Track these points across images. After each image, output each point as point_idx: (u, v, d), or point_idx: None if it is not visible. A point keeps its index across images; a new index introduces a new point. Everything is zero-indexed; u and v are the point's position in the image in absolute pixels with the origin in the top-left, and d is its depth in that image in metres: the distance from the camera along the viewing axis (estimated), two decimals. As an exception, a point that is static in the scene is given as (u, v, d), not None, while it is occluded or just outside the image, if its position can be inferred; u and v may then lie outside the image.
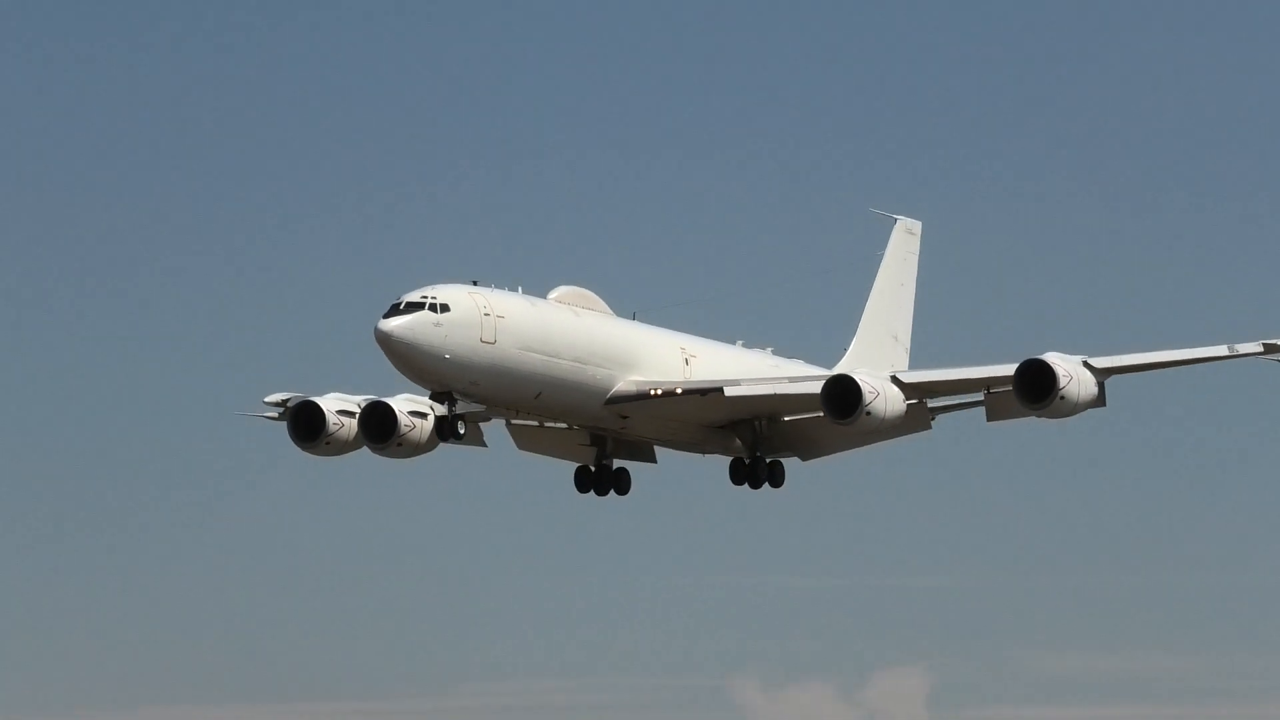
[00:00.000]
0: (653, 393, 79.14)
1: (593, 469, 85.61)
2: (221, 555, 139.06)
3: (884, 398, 78.24)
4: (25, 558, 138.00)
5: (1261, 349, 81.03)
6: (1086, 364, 79.99)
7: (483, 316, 74.78)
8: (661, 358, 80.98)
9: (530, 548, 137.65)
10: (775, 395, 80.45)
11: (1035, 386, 77.92)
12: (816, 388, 79.02)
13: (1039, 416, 79.84)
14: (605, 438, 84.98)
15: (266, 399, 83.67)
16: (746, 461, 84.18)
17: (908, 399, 79.88)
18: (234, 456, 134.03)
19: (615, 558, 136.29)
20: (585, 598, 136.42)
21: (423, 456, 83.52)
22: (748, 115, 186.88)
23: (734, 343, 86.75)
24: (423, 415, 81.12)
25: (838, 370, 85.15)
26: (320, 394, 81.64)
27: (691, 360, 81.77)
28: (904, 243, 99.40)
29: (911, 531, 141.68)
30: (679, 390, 79.42)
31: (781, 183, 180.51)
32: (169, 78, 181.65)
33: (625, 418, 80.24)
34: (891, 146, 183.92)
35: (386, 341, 73.28)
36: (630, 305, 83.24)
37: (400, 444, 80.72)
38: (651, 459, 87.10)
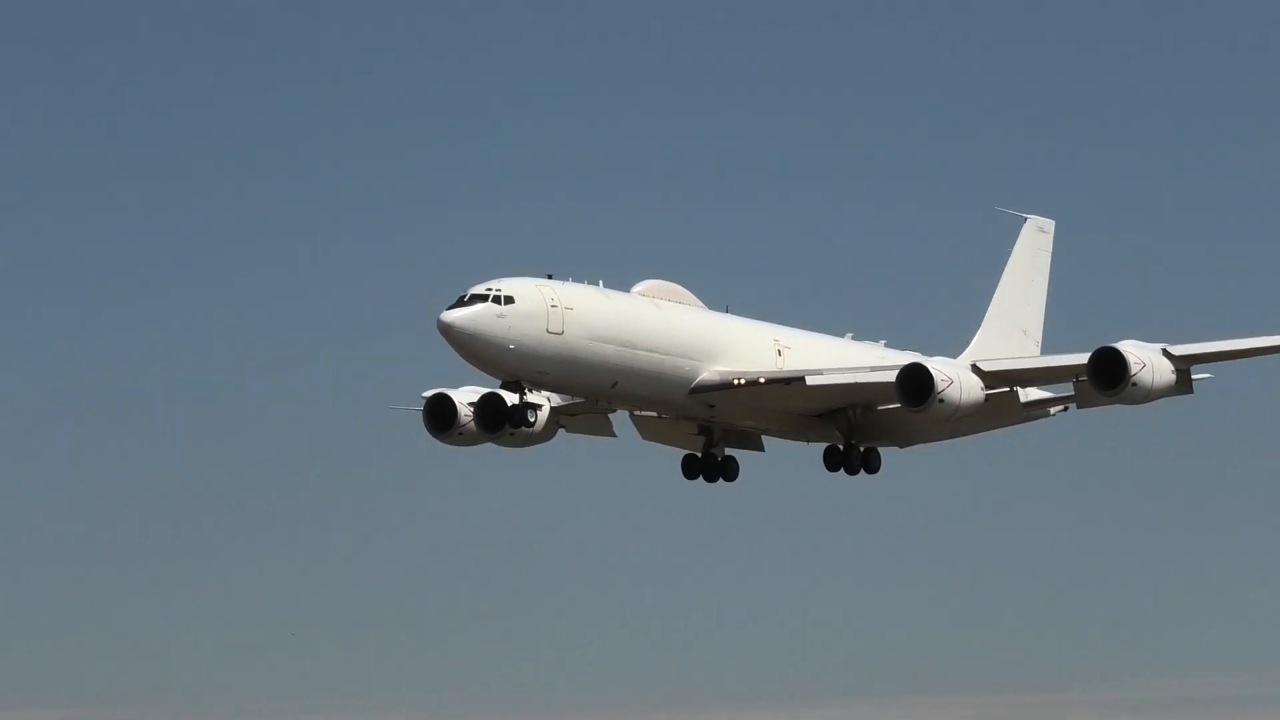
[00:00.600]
0: (736, 382, 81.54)
1: (700, 456, 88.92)
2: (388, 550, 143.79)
3: (959, 385, 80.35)
4: (188, 551, 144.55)
5: None
6: (1165, 351, 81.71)
7: (549, 308, 76.82)
8: (752, 349, 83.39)
9: (655, 533, 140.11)
10: (854, 384, 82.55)
11: (1108, 374, 79.82)
12: (892, 376, 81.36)
13: (1115, 403, 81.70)
14: (713, 428, 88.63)
15: (425, 394, 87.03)
16: (841, 448, 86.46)
17: (987, 387, 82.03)
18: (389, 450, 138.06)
19: (725, 543, 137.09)
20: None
21: (541, 446, 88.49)
22: (881, 109, 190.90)
23: (843, 336, 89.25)
24: (539, 406, 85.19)
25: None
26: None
27: (785, 351, 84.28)
28: (1035, 240, 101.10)
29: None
30: (762, 380, 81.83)
31: (913, 181, 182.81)
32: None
33: (712, 406, 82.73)
34: (1028, 146, 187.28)
35: (448, 332, 75.67)
36: (751, 300, 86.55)
37: (513, 433, 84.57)
38: (759, 447, 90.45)
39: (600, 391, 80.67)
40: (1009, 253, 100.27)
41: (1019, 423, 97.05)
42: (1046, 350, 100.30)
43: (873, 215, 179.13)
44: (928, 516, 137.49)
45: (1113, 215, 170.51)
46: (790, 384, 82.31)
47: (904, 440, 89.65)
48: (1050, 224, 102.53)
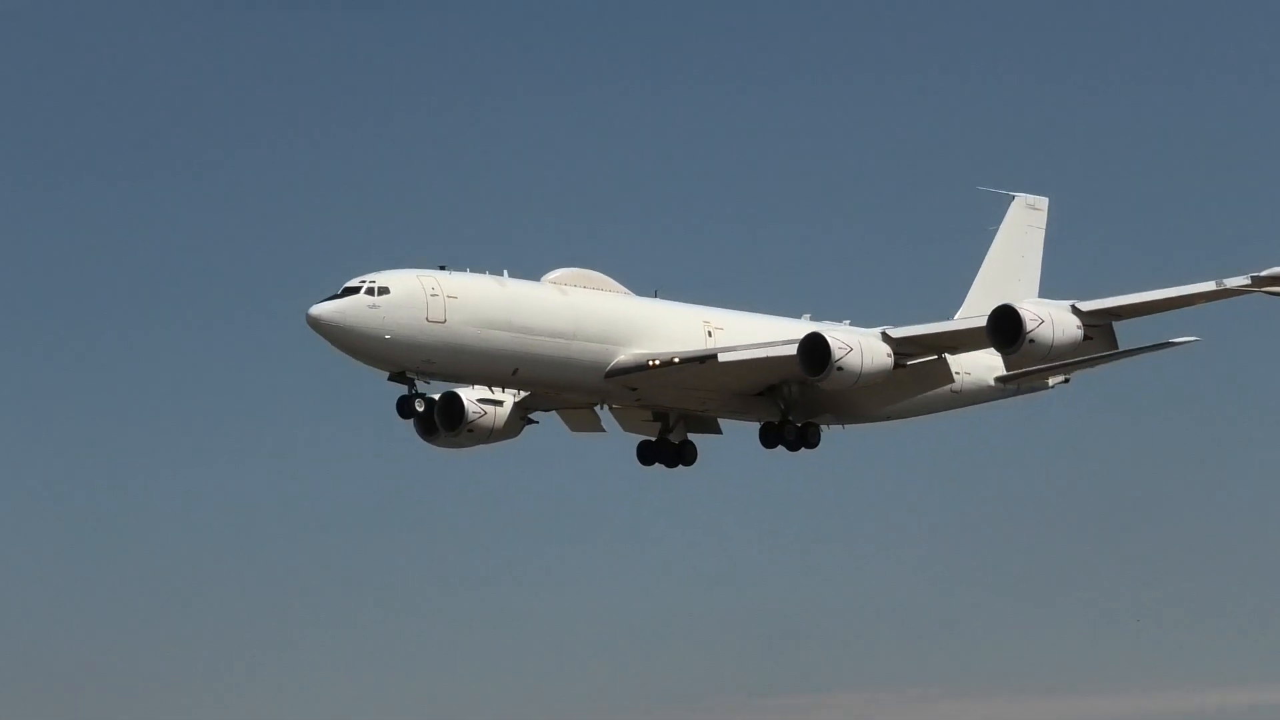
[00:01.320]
0: (651, 363, 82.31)
1: (654, 441, 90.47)
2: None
3: (859, 352, 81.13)
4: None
5: (1249, 282, 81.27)
6: (1074, 308, 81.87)
7: (429, 297, 77.08)
8: (679, 331, 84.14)
9: (612, 521, 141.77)
10: (764, 359, 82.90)
11: (1009, 332, 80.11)
12: (793, 349, 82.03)
13: (1023, 363, 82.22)
14: (668, 414, 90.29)
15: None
16: (776, 423, 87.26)
17: (896, 353, 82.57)
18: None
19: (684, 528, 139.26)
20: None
21: (510, 442, 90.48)
22: (861, 91, 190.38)
23: (801, 317, 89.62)
24: (497, 403, 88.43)
25: None
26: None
27: (716, 332, 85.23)
28: (1024, 218, 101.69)
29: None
30: (676, 360, 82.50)
31: (898, 162, 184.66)
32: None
33: (634, 389, 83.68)
34: (1022, 124, 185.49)
35: (316, 325, 76.14)
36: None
37: (471, 430, 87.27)
38: (717, 429, 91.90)
39: (501, 379, 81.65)
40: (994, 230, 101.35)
41: (1005, 397, 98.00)
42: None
43: (861, 200, 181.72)
44: (880, 497, 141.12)
45: (1111, 193, 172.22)
46: (705, 362, 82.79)
47: (846, 416, 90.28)
48: (1043, 201, 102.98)
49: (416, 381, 78.77)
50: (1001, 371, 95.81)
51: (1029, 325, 79.47)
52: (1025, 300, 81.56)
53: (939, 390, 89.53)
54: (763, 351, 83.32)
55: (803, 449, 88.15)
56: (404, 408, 79.81)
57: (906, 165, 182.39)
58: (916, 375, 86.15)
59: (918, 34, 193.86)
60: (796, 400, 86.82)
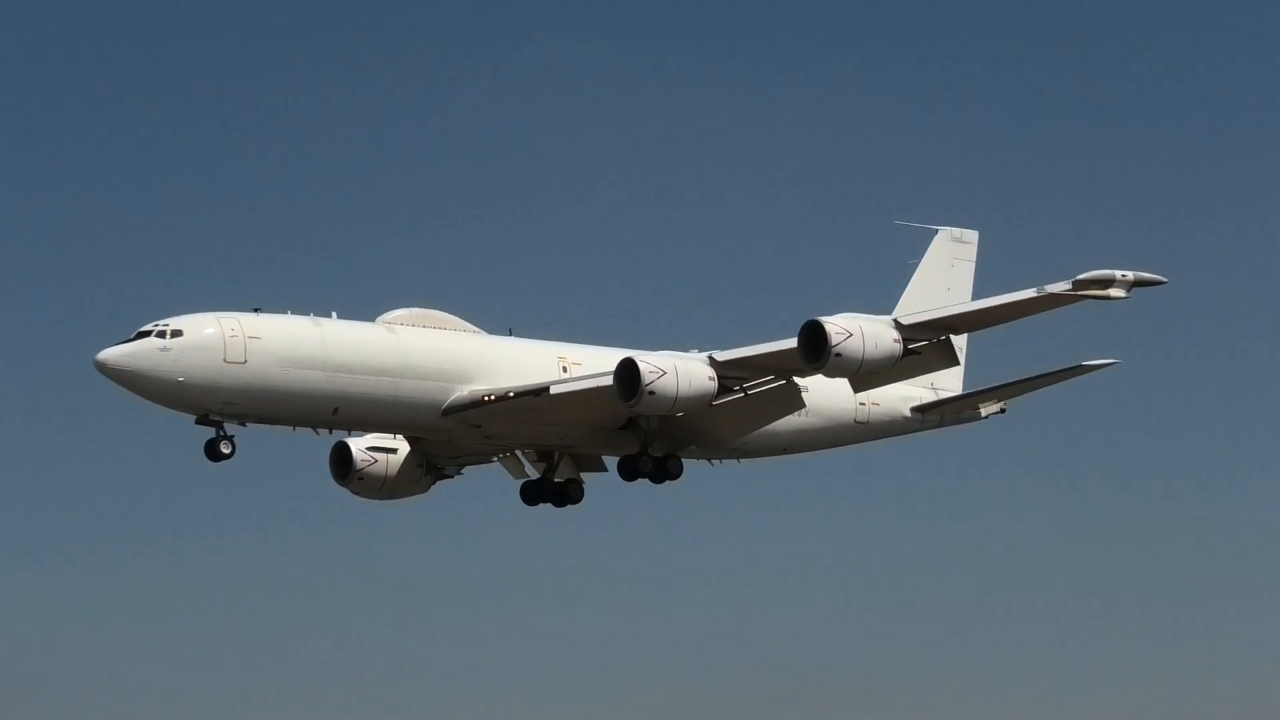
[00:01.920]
0: (486, 399, 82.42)
1: (538, 481, 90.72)
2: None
3: (674, 376, 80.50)
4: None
5: (1071, 286, 80.00)
6: (896, 322, 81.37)
7: (228, 338, 76.85)
8: (528, 367, 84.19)
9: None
10: (593, 389, 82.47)
11: (814, 347, 79.38)
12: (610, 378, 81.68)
13: (836, 375, 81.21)
14: (552, 452, 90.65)
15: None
16: (633, 455, 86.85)
17: (720, 375, 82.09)
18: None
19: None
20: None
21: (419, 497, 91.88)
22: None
23: (688, 350, 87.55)
24: (389, 450, 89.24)
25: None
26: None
27: (572, 367, 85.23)
28: (950, 250, 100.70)
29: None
30: (511, 394, 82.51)
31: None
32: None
33: (478, 426, 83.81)
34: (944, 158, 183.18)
35: (103, 369, 76.15)
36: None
37: (362, 478, 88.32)
38: (601, 467, 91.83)
39: (321, 419, 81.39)
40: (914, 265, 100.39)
41: (928, 428, 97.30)
42: (971, 362, 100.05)
43: (771, 230, 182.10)
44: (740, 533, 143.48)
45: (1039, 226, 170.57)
46: (539, 394, 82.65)
47: (709, 448, 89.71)
48: (973, 234, 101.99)
49: (224, 424, 78.95)
50: (917, 402, 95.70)
51: (834, 339, 78.61)
52: (838, 315, 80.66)
53: (811, 417, 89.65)
54: (591, 382, 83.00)
55: (666, 481, 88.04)
56: (211, 451, 79.37)
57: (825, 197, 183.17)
58: (763, 401, 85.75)
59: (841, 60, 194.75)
60: (656, 431, 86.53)
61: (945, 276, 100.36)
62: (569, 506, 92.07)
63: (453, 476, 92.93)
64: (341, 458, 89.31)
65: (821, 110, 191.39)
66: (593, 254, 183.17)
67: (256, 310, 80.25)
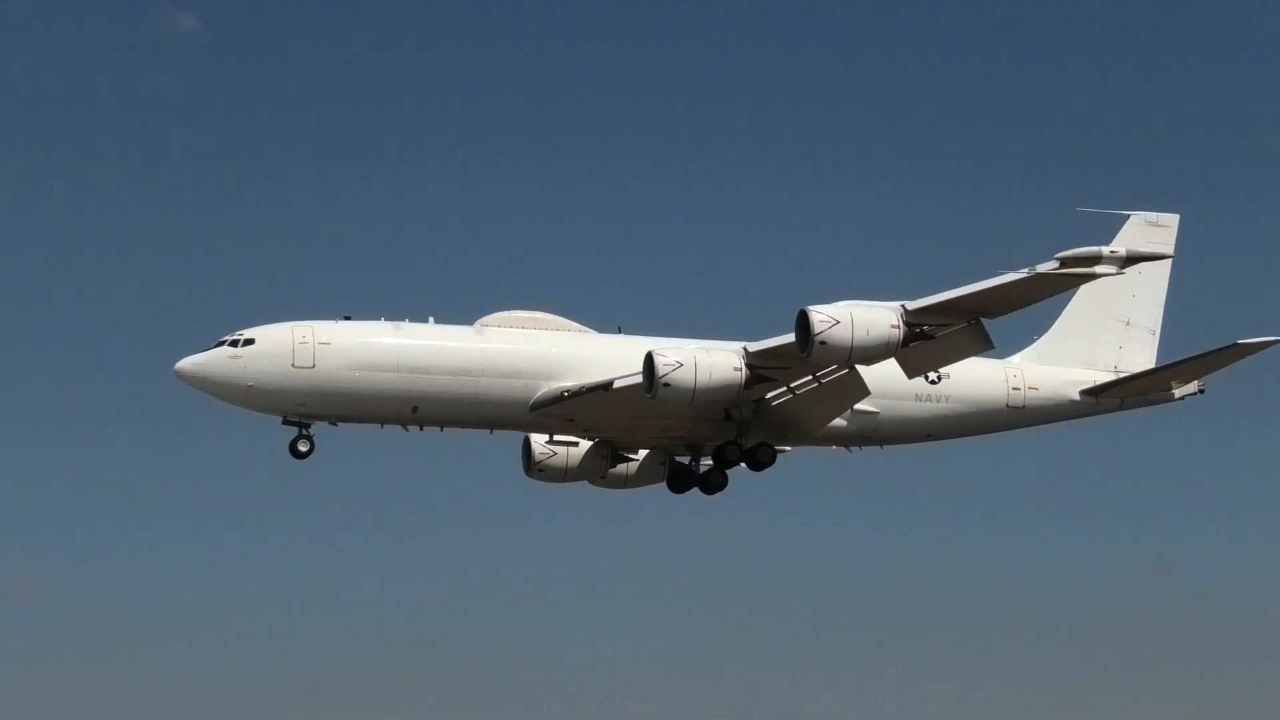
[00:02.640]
0: (563, 394, 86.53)
1: (681, 469, 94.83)
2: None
3: (693, 368, 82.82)
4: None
5: (1058, 264, 79.26)
6: (904, 308, 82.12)
7: (297, 345, 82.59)
8: (618, 362, 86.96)
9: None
10: (635, 384, 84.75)
11: (803, 336, 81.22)
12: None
13: (827, 363, 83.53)
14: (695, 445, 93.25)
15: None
16: (723, 445, 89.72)
17: (750, 364, 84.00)
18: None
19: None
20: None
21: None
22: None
23: None
24: (571, 443, 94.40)
25: None
26: None
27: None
28: (1145, 235, 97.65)
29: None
30: (584, 389, 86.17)
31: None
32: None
33: (571, 420, 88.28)
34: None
35: (179, 376, 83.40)
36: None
37: (542, 470, 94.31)
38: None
39: (400, 417, 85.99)
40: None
41: (1103, 412, 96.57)
42: (1165, 343, 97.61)
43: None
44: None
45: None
46: (607, 389, 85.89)
47: (796, 438, 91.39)
48: (1173, 219, 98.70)
49: (308, 425, 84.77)
50: (1084, 385, 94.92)
51: (816, 328, 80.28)
52: (838, 303, 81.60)
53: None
54: (636, 377, 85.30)
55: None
56: (292, 449, 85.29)
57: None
58: (830, 390, 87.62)
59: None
60: (746, 420, 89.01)
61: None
62: (716, 494, 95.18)
63: (628, 461, 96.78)
64: (526, 451, 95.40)
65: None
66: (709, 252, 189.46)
67: (346, 318, 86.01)
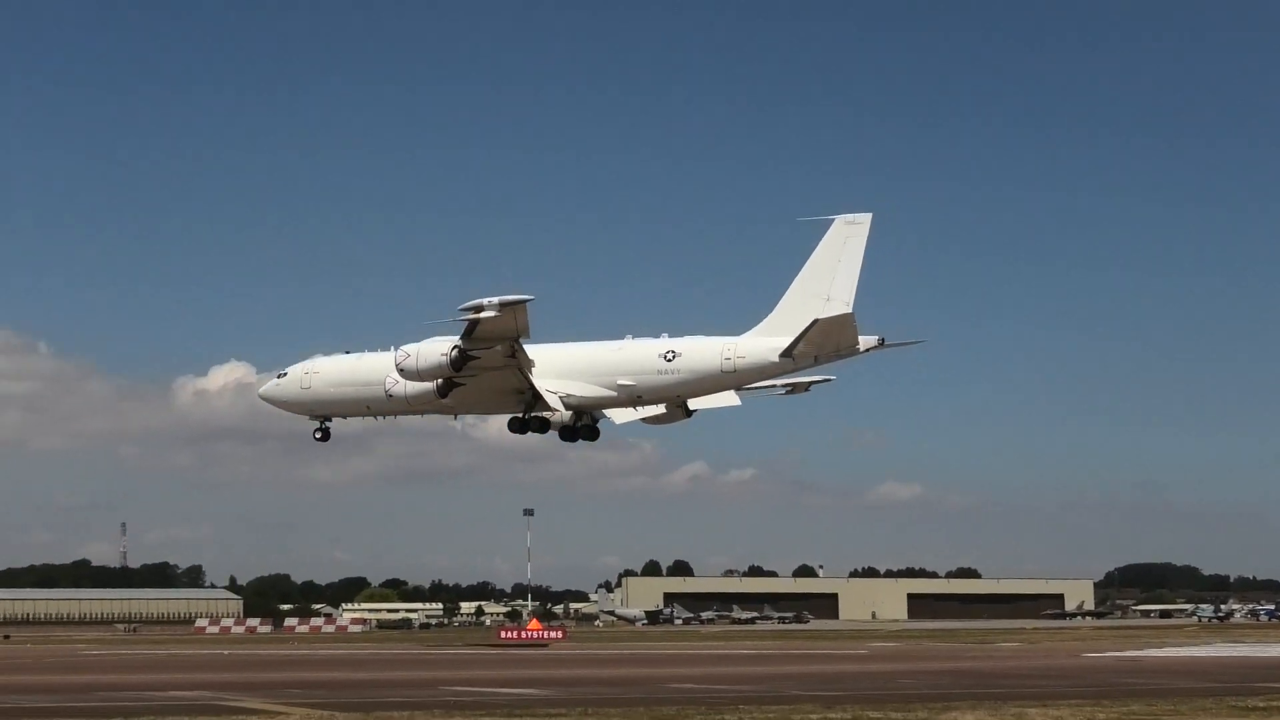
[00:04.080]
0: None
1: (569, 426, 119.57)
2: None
3: (416, 357, 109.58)
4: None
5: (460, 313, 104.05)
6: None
7: (303, 374, 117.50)
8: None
9: None
10: None
11: None
12: None
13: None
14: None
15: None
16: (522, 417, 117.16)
17: (451, 351, 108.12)
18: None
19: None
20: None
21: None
22: None
23: (623, 338, 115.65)
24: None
25: None
26: None
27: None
28: (845, 231, 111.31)
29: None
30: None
31: None
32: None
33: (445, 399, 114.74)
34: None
35: (259, 396, 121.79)
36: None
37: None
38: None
39: (363, 413, 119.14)
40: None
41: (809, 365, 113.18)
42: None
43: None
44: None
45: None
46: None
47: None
48: (866, 217, 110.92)
49: (324, 421, 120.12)
50: (780, 349, 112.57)
51: (398, 360, 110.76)
52: (428, 340, 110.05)
53: None
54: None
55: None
56: (315, 435, 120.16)
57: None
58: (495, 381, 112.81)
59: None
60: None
61: (839, 252, 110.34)
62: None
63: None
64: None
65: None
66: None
67: (347, 352, 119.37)
